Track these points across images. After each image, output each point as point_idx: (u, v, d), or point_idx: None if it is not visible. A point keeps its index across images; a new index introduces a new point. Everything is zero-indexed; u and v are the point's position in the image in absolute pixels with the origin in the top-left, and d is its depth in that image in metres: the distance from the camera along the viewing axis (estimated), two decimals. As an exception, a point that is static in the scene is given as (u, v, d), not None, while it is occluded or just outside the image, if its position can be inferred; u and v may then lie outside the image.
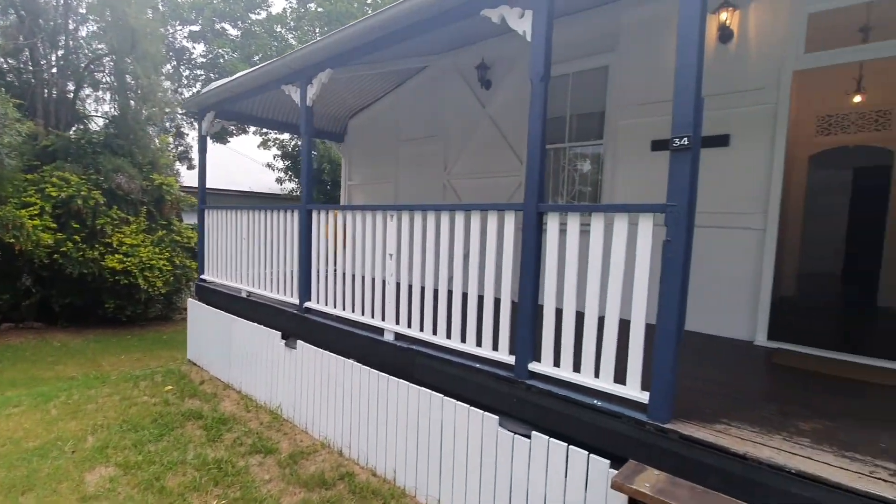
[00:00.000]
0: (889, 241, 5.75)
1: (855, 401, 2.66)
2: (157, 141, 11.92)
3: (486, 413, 2.87)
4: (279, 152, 15.80)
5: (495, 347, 2.93)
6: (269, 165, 16.24)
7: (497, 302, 2.88)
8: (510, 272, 2.80)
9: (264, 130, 15.76)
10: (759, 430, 2.17)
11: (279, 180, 15.91)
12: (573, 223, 2.50)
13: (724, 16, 3.68)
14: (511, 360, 2.81)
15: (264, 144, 16.46)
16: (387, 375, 3.55)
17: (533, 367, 2.73)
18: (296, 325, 4.54)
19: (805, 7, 3.47)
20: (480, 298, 2.97)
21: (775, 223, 3.68)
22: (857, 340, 4.32)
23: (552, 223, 2.60)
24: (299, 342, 4.42)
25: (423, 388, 3.29)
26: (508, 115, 5.52)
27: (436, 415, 3.18)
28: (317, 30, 15.74)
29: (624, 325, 2.31)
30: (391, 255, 3.63)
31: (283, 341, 4.62)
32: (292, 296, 4.61)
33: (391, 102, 7.16)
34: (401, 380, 3.44)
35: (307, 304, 4.45)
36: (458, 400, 3.06)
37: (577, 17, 4.75)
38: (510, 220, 2.78)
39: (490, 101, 5.76)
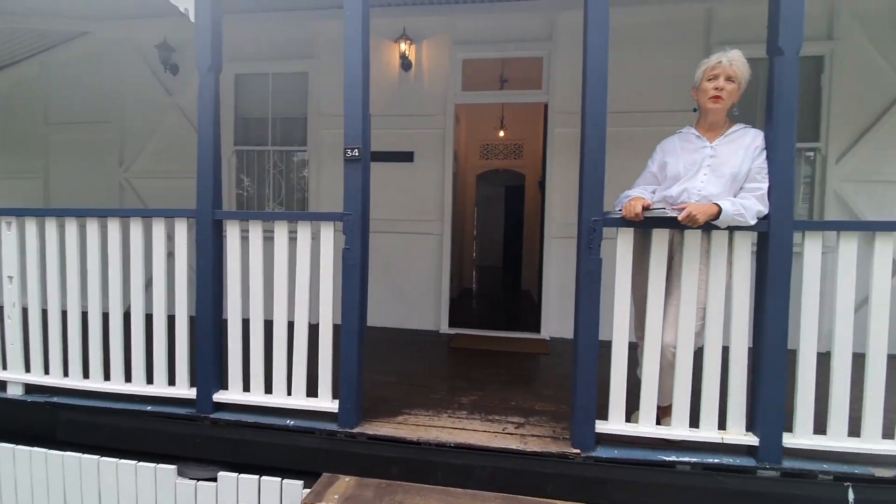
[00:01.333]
0: (525, 239, 7.74)
1: (502, 369, 3.37)
2: None
3: (159, 466, 2.36)
4: None
5: (171, 381, 2.45)
6: None
7: (172, 321, 2.41)
8: (185, 287, 2.39)
9: None
10: (431, 412, 2.46)
11: None
12: (256, 231, 2.31)
13: (402, 46, 4.15)
14: (192, 393, 2.40)
15: None
16: (12, 445, 2.56)
17: (219, 396, 2.39)
18: None
19: (460, 53, 4.27)
20: (149, 318, 2.44)
21: (449, 229, 4.38)
22: (510, 319, 5.60)
23: (232, 231, 2.34)
24: None
25: (70, 453, 2.49)
26: (203, 109, 4.85)
27: (91, 483, 2.45)
28: None
29: (316, 333, 2.26)
30: (10, 278, 2.63)
31: None
32: None
33: (36, 71, 5.30)
34: (35, 448, 2.53)
35: None
36: (125, 456, 2.44)
37: (279, 17, 4.54)
38: (182, 229, 2.37)
39: (179, 90, 4.93)
